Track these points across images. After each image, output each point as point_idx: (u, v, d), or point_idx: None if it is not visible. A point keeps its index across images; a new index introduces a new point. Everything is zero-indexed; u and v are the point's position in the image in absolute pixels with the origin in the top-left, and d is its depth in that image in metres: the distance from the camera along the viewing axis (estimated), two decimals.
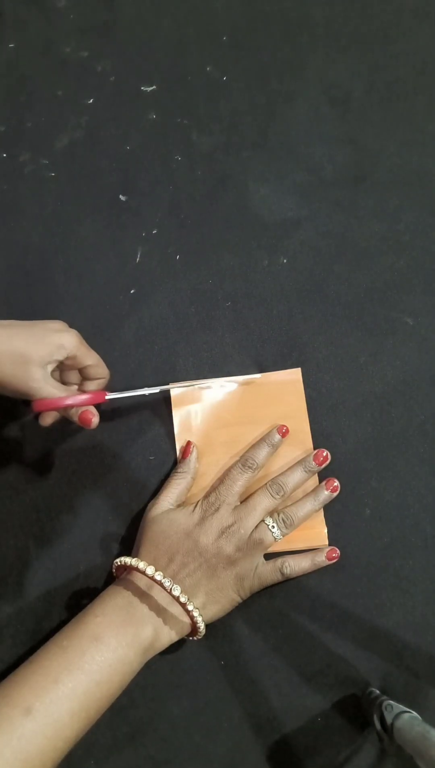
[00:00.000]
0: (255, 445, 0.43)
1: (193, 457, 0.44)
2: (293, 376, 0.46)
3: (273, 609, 0.41)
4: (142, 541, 0.40)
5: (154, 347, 0.48)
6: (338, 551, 0.41)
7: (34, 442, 0.46)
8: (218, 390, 0.46)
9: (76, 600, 0.42)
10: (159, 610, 0.37)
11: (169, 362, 0.47)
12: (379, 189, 0.51)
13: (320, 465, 0.42)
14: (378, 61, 0.55)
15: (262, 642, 0.41)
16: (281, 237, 0.50)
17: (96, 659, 0.34)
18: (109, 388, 0.45)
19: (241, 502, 0.41)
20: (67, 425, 0.46)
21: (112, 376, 0.47)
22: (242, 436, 0.45)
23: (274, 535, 0.40)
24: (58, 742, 0.32)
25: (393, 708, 0.35)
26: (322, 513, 0.42)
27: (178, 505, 0.42)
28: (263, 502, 0.40)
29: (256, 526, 0.40)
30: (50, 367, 0.39)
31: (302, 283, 0.49)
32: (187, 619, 0.37)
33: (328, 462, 0.43)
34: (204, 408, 0.46)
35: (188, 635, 0.39)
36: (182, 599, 0.36)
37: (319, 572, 0.41)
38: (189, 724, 0.40)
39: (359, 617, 0.40)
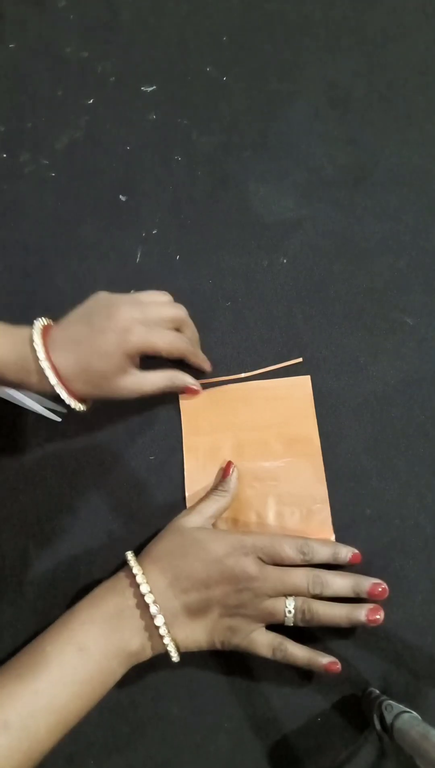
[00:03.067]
0: (319, 541, 0.39)
1: (234, 477, 0.42)
2: (302, 383, 0.46)
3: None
4: (158, 545, 0.38)
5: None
6: (339, 666, 0.37)
7: (34, 442, 0.46)
8: (226, 393, 0.46)
9: (76, 600, 0.42)
10: (148, 626, 0.35)
11: (169, 362, 0.47)
12: (379, 189, 0.51)
13: (373, 596, 0.37)
14: (378, 61, 0.55)
15: None
16: (281, 237, 0.50)
17: (79, 672, 0.33)
18: None
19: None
20: (66, 425, 0.46)
21: None
22: (250, 441, 0.45)
23: (286, 619, 0.37)
24: (33, 755, 0.31)
25: (393, 708, 0.35)
26: (329, 520, 0.42)
27: (211, 524, 0.40)
28: (298, 583, 0.36)
29: (275, 598, 0.37)
30: (131, 366, 0.40)
31: (302, 283, 0.49)
32: (159, 650, 0.36)
33: (383, 596, 0.37)
34: (212, 412, 0.45)
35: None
36: (162, 631, 0.35)
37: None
38: (189, 724, 0.40)
39: None
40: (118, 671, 0.35)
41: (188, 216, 0.52)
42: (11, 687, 0.32)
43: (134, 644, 0.35)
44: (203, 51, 0.57)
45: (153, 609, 0.35)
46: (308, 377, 0.46)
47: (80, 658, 0.33)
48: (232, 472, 0.42)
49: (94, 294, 0.42)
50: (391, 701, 0.36)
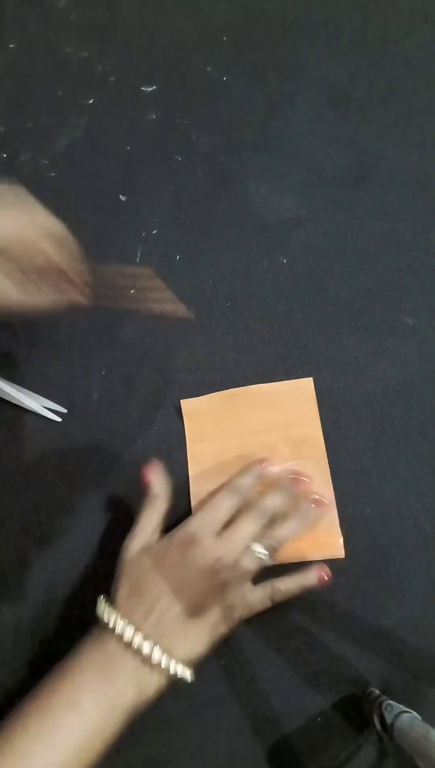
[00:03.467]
0: (242, 472, 0.41)
1: (158, 480, 0.40)
2: (305, 385, 0.46)
3: (273, 609, 0.41)
4: (118, 587, 0.37)
5: (154, 347, 0.48)
6: (330, 575, 0.38)
7: (34, 442, 0.46)
8: (229, 398, 0.45)
9: (76, 600, 0.42)
10: (141, 667, 0.33)
11: (169, 362, 0.47)
12: (379, 189, 0.51)
13: (297, 488, 0.40)
14: (378, 61, 0.55)
15: (262, 642, 0.41)
16: (281, 237, 0.50)
17: (74, 730, 0.31)
18: (111, 387, 0.45)
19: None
20: (66, 425, 0.46)
21: (113, 376, 0.47)
22: (255, 445, 0.44)
23: (263, 561, 0.37)
24: None
25: (393, 708, 0.35)
26: (337, 522, 0.42)
27: (157, 535, 0.39)
28: (249, 528, 0.37)
29: (243, 554, 0.37)
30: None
31: (302, 283, 0.49)
32: (169, 675, 0.34)
33: (304, 486, 0.41)
34: (216, 418, 0.45)
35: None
36: (163, 663, 0.33)
37: (319, 584, 0.41)
38: (189, 724, 0.39)
39: (359, 617, 0.40)
40: (118, 722, 0.33)
41: (188, 216, 0.52)
42: (1, 751, 0.30)
43: (131, 691, 0.33)
44: (203, 51, 0.57)
45: (145, 648, 0.33)
46: (311, 379, 0.46)
47: (74, 716, 0.31)
48: (154, 476, 0.41)
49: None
50: (391, 701, 0.36)
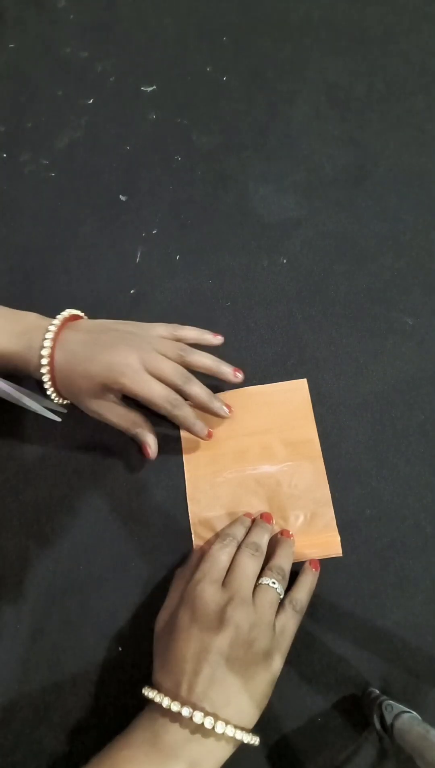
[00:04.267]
0: (232, 523, 0.42)
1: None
2: (299, 386, 0.46)
3: None
4: (155, 661, 0.36)
5: None
6: (318, 563, 0.40)
7: (34, 442, 0.46)
8: (224, 400, 0.45)
9: (76, 600, 0.42)
10: (189, 740, 0.32)
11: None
12: (379, 189, 0.51)
13: (270, 522, 0.42)
14: (378, 61, 0.55)
15: None
16: (281, 237, 0.50)
17: None
18: None
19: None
20: (66, 425, 0.46)
21: None
22: (251, 447, 0.44)
23: (277, 591, 0.37)
24: None
25: (393, 708, 0.35)
26: (334, 522, 0.42)
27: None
28: (250, 565, 0.37)
29: (256, 589, 0.37)
30: (107, 394, 0.41)
31: (302, 283, 0.49)
32: (227, 742, 0.33)
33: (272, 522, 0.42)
34: (211, 419, 0.45)
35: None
36: (207, 723, 0.31)
37: (320, 572, 0.41)
38: None
39: (359, 617, 0.40)
40: None
41: (188, 216, 0.52)
42: None
43: (181, 765, 0.31)
44: (203, 51, 0.57)
45: (185, 713, 0.32)
46: (305, 380, 0.46)
47: None
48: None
49: (122, 321, 0.43)
50: (391, 701, 0.36)
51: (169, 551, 0.42)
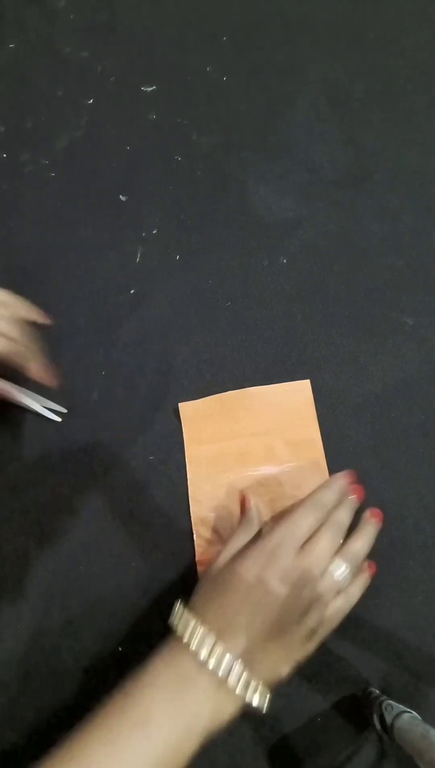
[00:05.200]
0: (324, 486, 0.38)
1: (255, 508, 0.40)
2: (302, 387, 0.46)
3: None
4: (198, 598, 0.35)
5: (154, 347, 0.48)
6: (372, 565, 0.38)
7: (34, 442, 0.46)
8: (227, 401, 0.45)
9: (76, 600, 0.42)
10: (217, 689, 0.31)
11: (169, 362, 0.47)
12: (379, 189, 0.51)
13: (361, 498, 0.39)
14: (378, 61, 0.55)
15: None
16: (281, 237, 0.50)
17: (144, 753, 0.29)
18: (111, 387, 0.45)
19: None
20: (66, 425, 0.46)
21: (113, 376, 0.47)
22: (253, 447, 0.44)
23: (345, 580, 0.35)
24: None
25: (393, 708, 0.35)
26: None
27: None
28: (329, 548, 0.35)
29: (325, 574, 0.35)
30: None
31: (302, 283, 0.49)
32: (241, 702, 0.32)
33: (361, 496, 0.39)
34: (213, 420, 0.45)
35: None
36: (241, 685, 0.31)
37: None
38: None
39: (359, 617, 0.40)
40: (190, 748, 0.31)
41: (188, 216, 0.52)
42: None
43: (206, 713, 0.31)
44: (203, 51, 0.57)
45: (222, 671, 0.31)
46: (308, 381, 0.46)
47: (145, 739, 0.30)
48: (251, 507, 0.40)
49: None
50: (391, 701, 0.36)
51: (169, 551, 0.42)
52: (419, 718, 0.34)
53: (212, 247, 0.50)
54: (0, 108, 0.56)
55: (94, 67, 0.57)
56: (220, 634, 0.32)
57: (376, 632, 0.40)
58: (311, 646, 0.34)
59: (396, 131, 0.52)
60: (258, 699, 0.32)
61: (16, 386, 0.46)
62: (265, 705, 0.32)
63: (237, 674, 0.31)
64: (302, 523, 0.36)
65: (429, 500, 0.42)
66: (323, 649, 0.40)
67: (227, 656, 0.32)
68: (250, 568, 0.34)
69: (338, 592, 0.35)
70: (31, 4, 0.60)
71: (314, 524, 0.36)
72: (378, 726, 0.35)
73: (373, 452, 0.44)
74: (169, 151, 0.54)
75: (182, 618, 0.34)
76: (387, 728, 0.34)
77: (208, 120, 0.54)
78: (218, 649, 0.32)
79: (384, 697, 0.36)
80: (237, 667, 0.32)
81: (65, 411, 0.46)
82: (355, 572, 0.36)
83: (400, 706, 0.35)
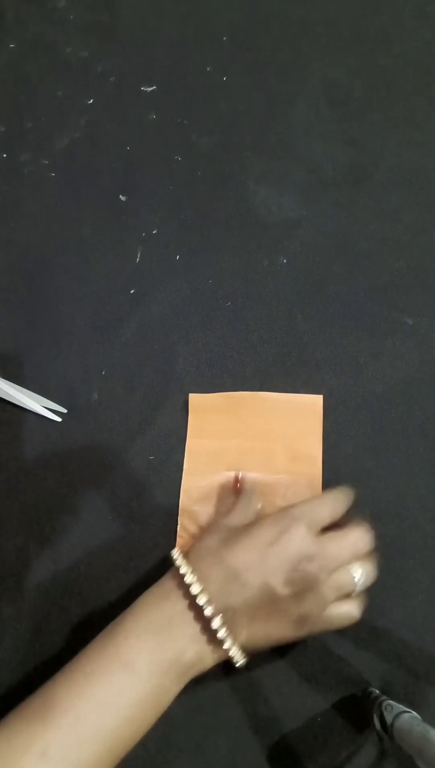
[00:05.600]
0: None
1: (250, 486, 0.40)
2: (314, 401, 0.45)
3: None
4: (202, 543, 0.35)
5: (154, 347, 0.48)
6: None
7: (34, 442, 0.46)
8: (237, 400, 0.45)
9: (76, 600, 0.42)
10: (204, 631, 0.32)
11: (169, 362, 0.47)
12: (379, 189, 0.51)
13: None
14: (378, 61, 0.55)
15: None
16: (281, 237, 0.50)
17: (126, 692, 0.29)
18: (111, 387, 0.45)
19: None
20: (66, 425, 0.46)
21: (113, 376, 0.47)
22: (252, 450, 0.44)
23: (356, 584, 0.34)
24: None
25: (393, 708, 0.35)
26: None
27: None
28: (361, 541, 0.34)
29: (339, 570, 0.34)
30: None
31: (302, 283, 0.49)
32: (220, 656, 0.33)
33: None
34: (220, 417, 0.45)
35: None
36: (221, 634, 0.31)
37: None
38: (189, 724, 0.39)
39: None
40: (172, 689, 0.31)
41: (188, 216, 0.52)
42: (49, 712, 0.29)
43: (188, 655, 0.31)
44: (203, 51, 0.56)
45: (208, 611, 0.31)
46: (320, 397, 0.45)
47: (127, 677, 0.30)
48: (246, 483, 0.41)
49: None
50: (391, 701, 0.36)
51: (169, 551, 0.42)
52: (419, 718, 0.34)
53: (212, 247, 0.50)
54: (0, 108, 0.56)
55: (94, 67, 0.57)
56: (214, 586, 0.32)
57: (376, 632, 0.40)
58: (299, 632, 0.34)
59: (396, 131, 0.52)
60: (238, 655, 0.32)
61: (16, 386, 0.46)
62: (242, 663, 0.33)
63: (223, 628, 0.31)
64: (329, 505, 0.35)
65: (429, 500, 0.42)
66: (323, 649, 0.40)
67: (216, 610, 0.31)
68: (263, 533, 0.34)
69: (345, 596, 0.34)
70: (31, 4, 0.60)
71: (341, 512, 0.36)
72: (378, 726, 0.35)
73: (373, 452, 0.44)
74: (169, 151, 0.54)
75: (180, 561, 0.34)
76: (387, 728, 0.34)
77: (208, 120, 0.54)
78: (209, 600, 0.32)
79: (384, 697, 0.36)
80: (221, 621, 0.31)
81: (65, 411, 0.46)
82: (369, 576, 0.35)
83: (400, 706, 0.35)
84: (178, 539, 0.42)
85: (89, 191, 0.53)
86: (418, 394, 0.45)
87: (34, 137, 0.55)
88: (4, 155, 0.55)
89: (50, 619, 0.42)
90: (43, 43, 0.58)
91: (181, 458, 0.45)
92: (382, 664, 0.39)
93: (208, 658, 0.32)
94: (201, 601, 0.31)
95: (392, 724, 0.34)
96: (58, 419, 0.46)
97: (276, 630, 0.33)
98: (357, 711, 0.39)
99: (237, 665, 0.33)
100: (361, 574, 0.34)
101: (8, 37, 0.59)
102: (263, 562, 0.32)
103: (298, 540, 0.33)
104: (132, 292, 0.50)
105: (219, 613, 0.32)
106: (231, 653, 0.32)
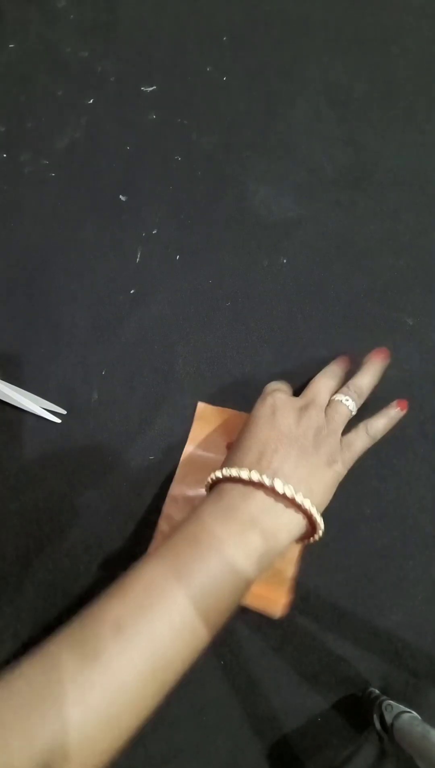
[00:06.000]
0: (362, 375, 0.41)
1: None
2: None
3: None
4: (230, 451, 0.37)
5: (154, 347, 0.48)
6: (405, 401, 0.40)
7: (34, 443, 0.46)
8: (240, 419, 0.44)
9: (76, 600, 0.42)
10: (264, 511, 0.32)
11: (169, 362, 0.47)
12: (379, 189, 0.51)
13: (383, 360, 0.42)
14: (378, 61, 0.55)
15: (262, 642, 0.41)
16: (281, 237, 0.50)
17: (199, 566, 0.30)
18: (111, 387, 0.45)
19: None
20: (66, 425, 0.46)
21: (113, 376, 0.47)
22: None
23: (349, 407, 0.38)
24: (156, 671, 0.29)
25: (393, 708, 0.35)
26: (290, 582, 0.40)
27: None
28: (328, 383, 0.39)
29: (329, 405, 0.38)
30: None
31: (302, 283, 0.49)
32: (299, 515, 0.33)
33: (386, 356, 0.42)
34: (221, 433, 0.44)
35: (306, 536, 0.35)
36: (288, 492, 0.32)
37: (320, 572, 0.41)
38: (189, 724, 0.40)
39: (359, 617, 0.40)
40: (246, 567, 0.31)
41: (188, 216, 0.52)
42: (126, 593, 0.31)
43: (254, 535, 0.32)
44: (203, 51, 0.56)
45: (266, 480, 0.32)
46: None
47: (197, 550, 0.31)
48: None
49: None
50: (391, 701, 0.36)
51: None
52: (419, 718, 0.34)
53: (212, 247, 0.50)
54: (0, 108, 0.56)
55: (94, 67, 0.57)
56: (266, 465, 0.34)
57: (376, 632, 0.40)
58: (338, 469, 0.36)
59: (396, 131, 0.52)
60: (314, 511, 0.33)
61: (15, 388, 0.46)
62: (321, 522, 0.33)
63: (290, 489, 0.32)
64: (323, 385, 0.39)
65: (429, 500, 0.42)
66: (323, 649, 0.40)
67: (276, 479, 0.33)
68: (261, 415, 0.37)
69: (346, 420, 0.38)
70: (31, 4, 0.60)
71: (332, 390, 0.39)
72: (378, 726, 0.35)
73: (373, 452, 0.44)
74: (169, 151, 0.54)
75: (222, 469, 0.35)
76: (387, 728, 0.34)
77: (208, 120, 0.54)
78: (266, 475, 0.33)
79: (384, 697, 0.37)
80: (286, 485, 0.33)
81: (65, 413, 0.46)
82: (359, 403, 0.39)
83: (400, 706, 0.35)
84: (153, 542, 0.42)
85: (89, 191, 0.53)
86: (418, 394, 0.45)
87: (34, 137, 0.55)
88: (4, 155, 0.55)
89: (50, 620, 0.42)
90: (43, 43, 0.58)
91: (179, 459, 0.45)
92: (382, 664, 0.39)
93: (281, 538, 0.33)
94: (255, 477, 0.33)
95: (392, 724, 0.34)
96: (58, 420, 0.46)
97: (323, 477, 0.35)
98: (357, 711, 0.39)
99: (319, 526, 0.34)
100: (343, 396, 0.38)
101: (8, 37, 0.59)
102: (278, 428, 0.36)
103: (289, 403, 0.37)
104: (132, 292, 0.50)
105: (299, 491, 0.33)
106: (306, 507, 0.33)
